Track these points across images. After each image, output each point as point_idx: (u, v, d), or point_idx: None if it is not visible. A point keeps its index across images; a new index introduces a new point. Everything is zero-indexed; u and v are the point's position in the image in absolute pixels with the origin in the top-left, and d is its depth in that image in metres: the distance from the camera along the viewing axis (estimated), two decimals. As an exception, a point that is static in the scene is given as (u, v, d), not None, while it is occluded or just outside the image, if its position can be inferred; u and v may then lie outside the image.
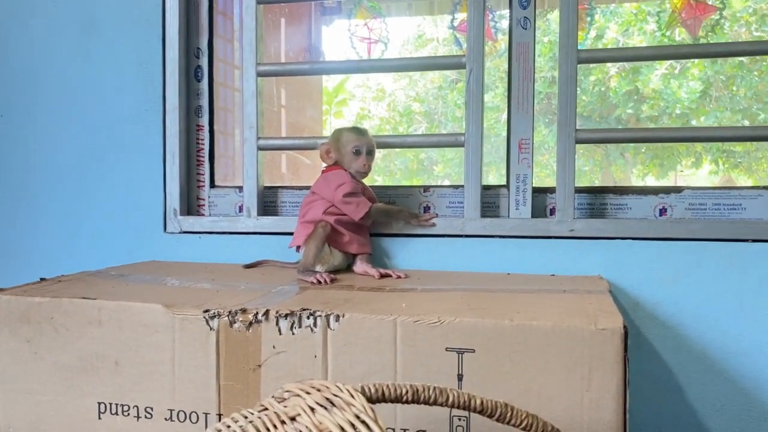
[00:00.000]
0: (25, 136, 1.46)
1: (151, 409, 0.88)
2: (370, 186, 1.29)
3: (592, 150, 8.20)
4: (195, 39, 1.41)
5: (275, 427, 0.52)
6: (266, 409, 0.56)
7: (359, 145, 1.19)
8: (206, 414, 0.86)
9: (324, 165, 1.24)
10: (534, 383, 0.77)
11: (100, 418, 0.90)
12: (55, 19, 1.44)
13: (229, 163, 1.56)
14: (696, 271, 1.16)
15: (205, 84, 1.40)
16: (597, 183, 8.79)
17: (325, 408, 0.52)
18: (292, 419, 0.53)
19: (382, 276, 1.14)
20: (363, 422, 0.50)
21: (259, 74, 1.34)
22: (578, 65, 1.20)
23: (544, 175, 8.11)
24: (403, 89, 10.07)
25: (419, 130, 9.74)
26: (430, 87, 9.77)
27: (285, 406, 0.55)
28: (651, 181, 8.82)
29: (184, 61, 1.38)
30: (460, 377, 0.79)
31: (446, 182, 9.54)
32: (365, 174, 1.22)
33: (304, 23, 3.30)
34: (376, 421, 0.50)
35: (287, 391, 0.57)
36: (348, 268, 1.21)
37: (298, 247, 1.20)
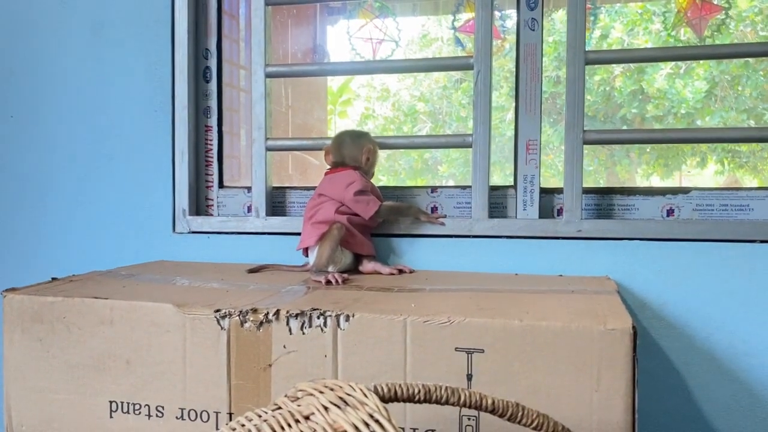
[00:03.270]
0: (35, 136, 1.47)
1: (163, 407, 0.89)
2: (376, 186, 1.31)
3: (597, 150, 8.19)
4: (204, 40, 1.42)
5: (289, 425, 0.53)
6: (280, 408, 0.57)
7: None
8: (217, 413, 0.87)
9: (328, 167, 1.25)
10: (543, 383, 0.77)
11: (111, 417, 0.91)
12: (64, 20, 1.45)
13: (234, 163, 1.57)
14: (703, 271, 1.16)
15: (213, 85, 1.41)
16: (602, 183, 8.78)
17: (339, 407, 0.53)
18: (306, 418, 0.53)
19: (399, 271, 1.18)
20: (377, 421, 0.50)
21: (268, 75, 1.34)
22: (586, 66, 1.20)
23: (549, 175, 8.11)
24: (408, 89, 10.08)
25: (424, 129, 9.74)
26: (435, 87, 9.77)
27: (299, 405, 0.55)
28: (656, 181, 8.81)
29: (193, 62, 1.39)
30: (469, 377, 0.79)
31: (451, 182, 9.54)
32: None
33: (309, 23, 3.30)
34: (389, 421, 0.50)
35: (300, 390, 0.58)
36: (354, 268, 1.22)
37: (306, 250, 1.21)
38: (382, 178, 9.48)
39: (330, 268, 1.14)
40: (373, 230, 1.25)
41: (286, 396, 0.58)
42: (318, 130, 3.21)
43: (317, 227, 1.17)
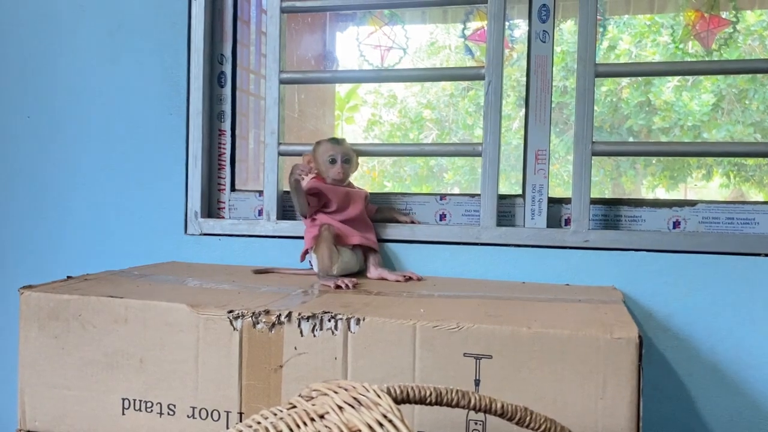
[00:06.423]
0: (51, 137, 1.50)
1: (174, 406, 0.91)
2: (381, 193, 1.37)
3: (603, 161, 8.19)
4: (219, 45, 1.44)
5: (305, 424, 0.54)
6: (295, 406, 0.58)
7: (334, 154, 1.25)
8: (228, 412, 0.89)
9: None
10: (549, 390, 0.79)
11: (123, 414, 0.93)
12: (82, 23, 1.47)
13: (242, 166, 1.59)
14: (709, 283, 1.18)
15: (228, 90, 1.43)
16: (607, 194, 8.77)
17: (353, 407, 0.54)
18: (321, 417, 0.55)
19: (407, 279, 1.19)
20: (390, 421, 0.52)
21: (282, 82, 1.36)
22: (595, 78, 1.22)
23: (554, 185, 8.11)
24: (415, 96, 10.10)
25: (430, 137, 9.77)
26: (442, 94, 9.80)
27: (313, 405, 0.57)
28: (661, 193, 8.81)
29: (208, 67, 1.41)
30: (477, 382, 0.81)
31: (456, 189, 9.56)
32: (342, 181, 1.26)
33: (319, 30, 3.33)
34: (402, 421, 0.52)
35: (315, 390, 0.59)
36: (362, 272, 1.24)
37: (304, 253, 1.24)
38: (387, 184, 9.50)
39: (335, 270, 1.16)
40: (376, 226, 1.29)
41: (300, 395, 0.60)
42: (325, 135, 3.24)
43: (309, 231, 1.23)
